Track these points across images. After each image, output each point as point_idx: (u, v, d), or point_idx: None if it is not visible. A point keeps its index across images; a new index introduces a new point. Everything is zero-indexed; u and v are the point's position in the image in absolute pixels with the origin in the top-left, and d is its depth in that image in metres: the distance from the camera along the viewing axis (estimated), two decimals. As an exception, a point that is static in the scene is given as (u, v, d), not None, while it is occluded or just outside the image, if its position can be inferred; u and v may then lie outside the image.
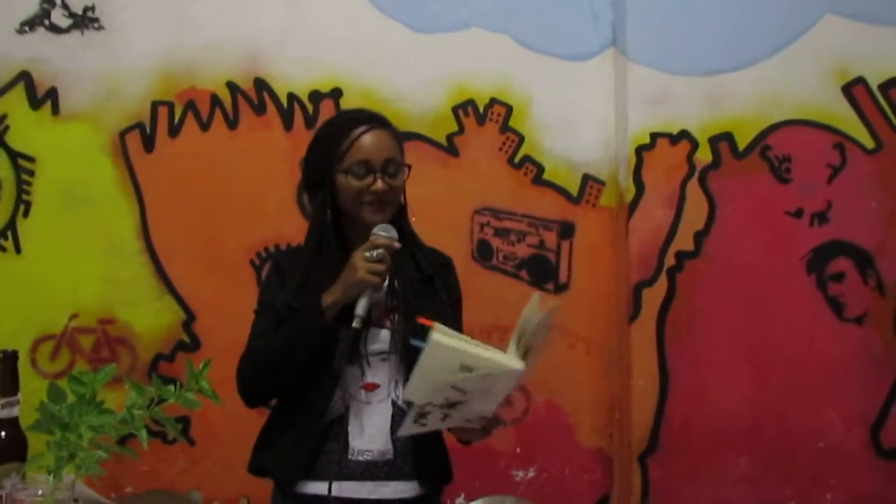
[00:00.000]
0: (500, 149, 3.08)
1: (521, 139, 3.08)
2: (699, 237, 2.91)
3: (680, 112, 2.96)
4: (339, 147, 1.93)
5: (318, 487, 1.92)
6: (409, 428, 1.69)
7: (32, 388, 2.84)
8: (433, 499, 2.03)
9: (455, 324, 2.00)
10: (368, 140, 1.94)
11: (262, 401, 2.04)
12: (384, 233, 1.89)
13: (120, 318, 2.97)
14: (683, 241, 2.91)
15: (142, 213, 3.02)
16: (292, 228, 2.98)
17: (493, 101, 3.08)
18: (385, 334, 1.95)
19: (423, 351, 1.58)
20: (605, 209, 3.05)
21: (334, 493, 1.89)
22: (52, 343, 2.95)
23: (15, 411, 1.79)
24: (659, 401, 2.84)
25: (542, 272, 3.03)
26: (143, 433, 1.58)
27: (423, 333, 1.61)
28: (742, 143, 2.96)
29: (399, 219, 1.99)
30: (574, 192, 3.06)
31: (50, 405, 1.52)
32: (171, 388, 1.53)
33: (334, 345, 1.87)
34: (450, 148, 3.04)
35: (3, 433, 1.73)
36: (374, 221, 1.92)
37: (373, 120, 1.98)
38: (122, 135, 3.03)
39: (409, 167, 2.00)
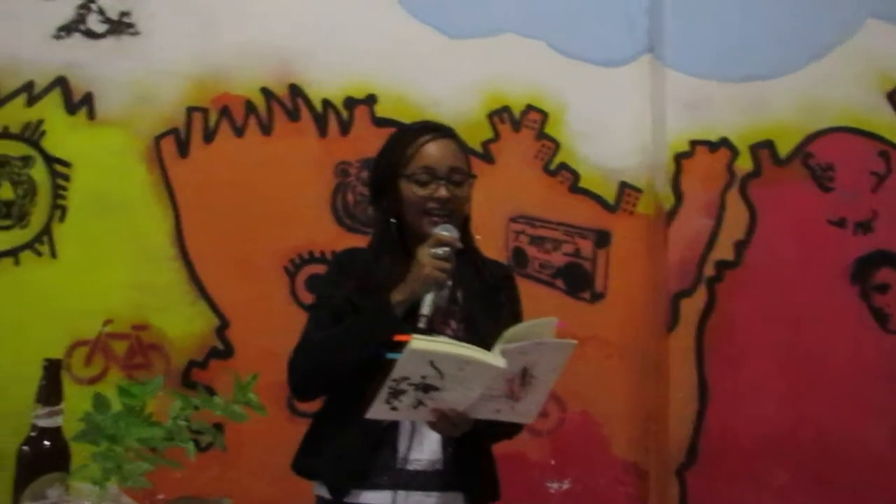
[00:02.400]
0: (536, 156, 3.05)
1: (557, 146, 3.04)
2: (739, 247, 2.87)
3: (719, 119, 2.91)
4: (404, 154, 1.94)
5: (374, 497, 1.90)
6: (379, 408, 1.66)
7: (67, 393, 2.87)
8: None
9: None
10: (433, 148, 1.94)
11: (314, 394, 2.01)
12: (445, 231, 1.88)
13: (153, 324, 2.95)
14: (723, 251, 2.87)
15: (176, 218, 3.00)
16: (326, 235, 2.98)
17: (528, 108, 3.05)
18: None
19: (399, 359, 1.58)
20: (642, 217, 3.01)
21: (386, 502, 1.88)
22: (86, 349, 2.94)
23: (58, 420, 1.77)
24: (697, 413, 2.79)
25: (578, 281, 2.99)
26: (190, 445, 1.56)
27: (400, 349, 1.60)
28: (783, 151, 2.91)
29: (463, 233, 1.97)
30: (610, 199, 3.02)
31: (95, 415, 1.50)
32: (217, 399, 1.50)
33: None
34: (485, 155, 3.02)
35: (46, 442, 1.70)
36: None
37: (439, 129, 2.00)
38: (157, 140, 3.02)
39: (475, 177, 1.99)
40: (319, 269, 2.97)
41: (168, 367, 2.94)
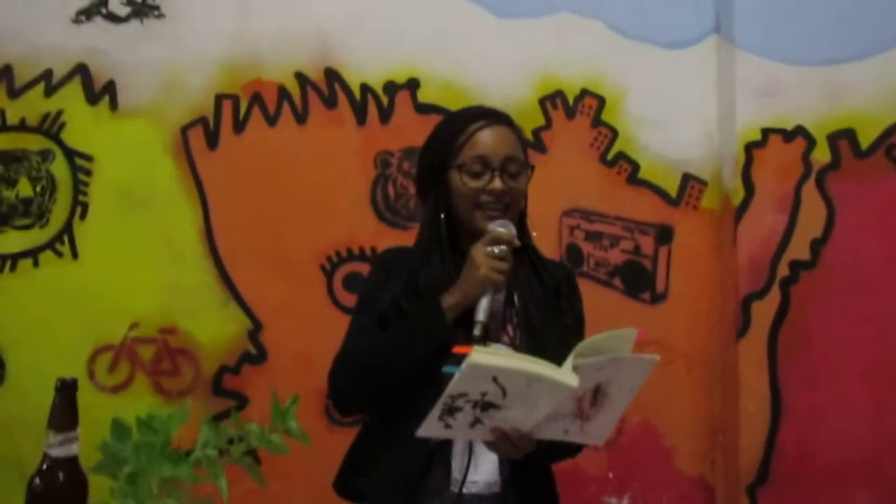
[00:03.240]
0: (592, 145, 2.81)
1: (615, 134, 2.81)
2: (816, 245, 2.62)
3: (794, 106, 2.66)
4: (454, 143, 1.78)
5: None
6: (431, 426, 1.49)
7: (90, 402, 2.69)
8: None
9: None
10: (488, 136, 1.78)
11: (359, 407, 1.87)
12: (502, 227, 1.73)
13: (182, 328, 2.77)
14: (798, 250, 2.62)
15: (205, 214, 2.81)
16: (366, 230, 2.78)
17: (583, 93, 2.82)
18: (503, 351, 1.73)
19: (457, 375, 1.40)
20: (707, 212, 2.77)
21: None
22: (110, 354, 2.76)
23: (74, 449, 1.57)
24: (770, 426, 2.56)
25: (638, 280, 2.77)
26: (223, 482, 1.35)
27: (458, 361, 1.43)
28: (865, 142, 2.65)
29: (519, 229, 1.80)
30: (673, 192, 2.79)
31: (113, 445, 1.30)
32: (254, 427, 1.29)
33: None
34: (536, 144, 2.78)
35: (60, 474, 1.50)
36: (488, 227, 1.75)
37: (494, 116, 1.82)
38: (184, 131, 2.83)
39: (533, 168, 1.81)
40: (359, 267, 2.78)
41: (198, 374, 2.75)
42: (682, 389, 2.72)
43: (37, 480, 1.39)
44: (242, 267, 2.79)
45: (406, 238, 2.77)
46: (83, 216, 2.79)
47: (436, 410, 1.48)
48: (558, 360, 1.78)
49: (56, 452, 1.42)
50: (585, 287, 2.70)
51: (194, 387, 2.74)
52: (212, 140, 2.83)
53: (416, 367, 1.71)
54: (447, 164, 1.80)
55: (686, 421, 2.68)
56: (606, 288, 2.77)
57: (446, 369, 1.47)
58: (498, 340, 1.77)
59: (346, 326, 2.66)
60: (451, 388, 1.43)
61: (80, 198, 2.78)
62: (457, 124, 1.84)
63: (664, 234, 2.77)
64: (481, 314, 1.68)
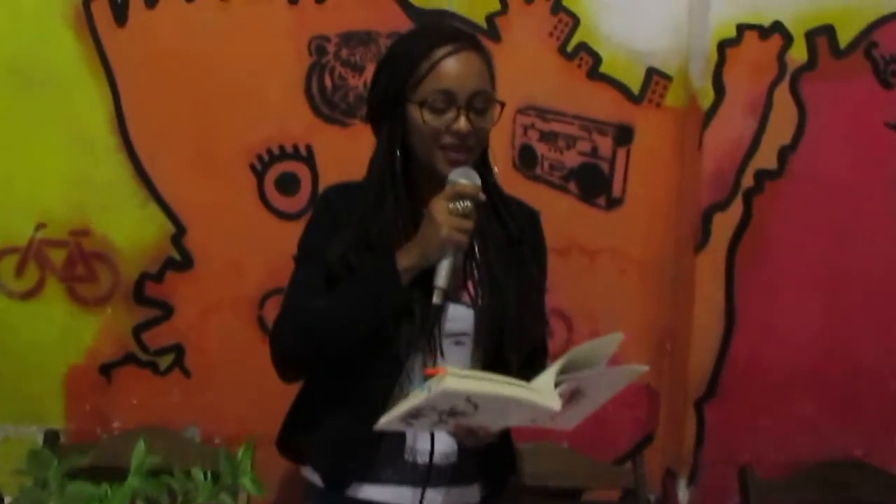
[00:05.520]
0: (551, 34, 2.54)
1: (576, 22, 2.54)
2: (784, 153, 2.47)
3: (774, -2, 2.43)
4: (415, 71, 1.56)
5: (379, 493, 1.65)
6: (390, 424, 1.39)
7: (-1, 308, 2.45)
8: (496, 499, 1.75)
9: (540, 303, 1.74)
10: (453, 65, 1.55)
11: (303, 374, 1.71)
12: (466, 179, 1.55)
13: (96, 230, 2.49)
14: (765, 159, 2.47)
15: (115, 100, 2.48)
16: (299, 125, 2.52)
17: (544, -28, 2.52)
18: (463, 312, 1.63)
19: (426, 395, 1.28)
20: (669, 110, 2.57)
21: (392, 499, 1.63)
22: (16, 257, 2.48)
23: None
24: (722, 341, 2.49)
25: (594, 184, 2.59)
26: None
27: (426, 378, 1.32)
28: (844, 39, 2.46)
29: (481, 166, 1.63)
30: (635, 88, 2.56)
31: (33, 492, 1.10)
32: (199, 480, 1.11)
33: (403, 318, 1.56)
34: (489, 31, 2.50)
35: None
36: (450, 171, 1.58)
37: (461, 38, 1.59)
38: (87, 2, 2.45)
39: (503, 105, 1.60)
40: (292, 167, 2.53)
41: (116, 280, 2.51)
42: (634, 299, 2.61)
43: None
44: (161, 162, 2.50)
45: (345, 137, 2.53)
46: (-30, 99, 2.43)
47: (396, 414, 1.33)
48: (521, 320, 1.65)
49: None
50: (538, 191, 2.56)
51: (113, 294, 2.50)
52: (119, 13, 2.46)
53: (368, 332, 1.57)
54: (405, 96, 1.57)
55: (636, 331, 2.59)
56: (561, 192, 2.58)
57: (417, 389, 1.32)
58: (458, 300, 1.63)
59: (278, 231, 2.51)
60: (419, 403, 1.28)
61: (-37, 79, 2.42)
62: (418, 48, 1.58)
63: (624, 135, 2.57)
64: (441, 279, 1.53)
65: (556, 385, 1.30)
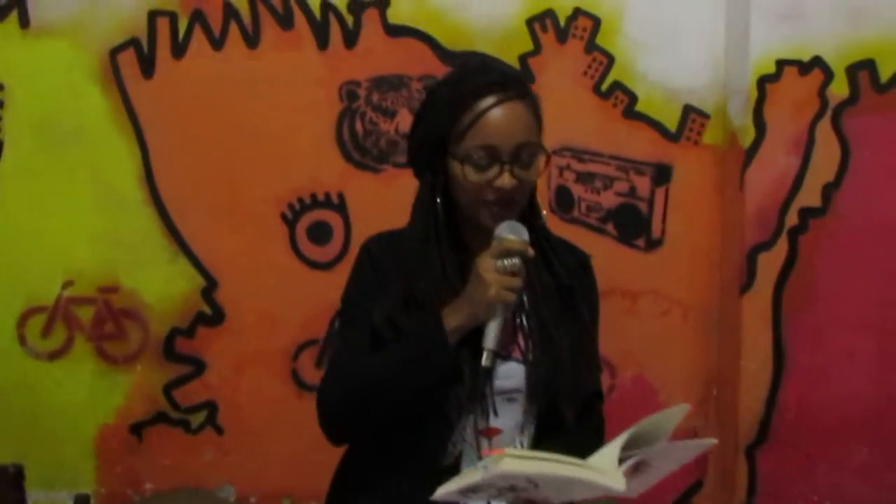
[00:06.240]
0: (585, 73, 2.50)
1: (611, 61, 2.49)
2: (828, 190, 2.40)
3: (813, 33, 2.37)
4: (456, 123, 1.46)
5: None
6: (448, 495, 1.29)
7: (24, 370, 2.40)
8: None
9: (593, 350, 1.67)
10: (498, 118, 1.45)
11: (351, 437, 1.61)
12: (513, 234, 1.46)
13: (125, 286, 2.44)
14: (809, 196, 2.40)
15: (143, 153, 2.45)
16: (331, 172, 2.47)
17: (576, 13, 2.48)
18: (515, 368, 1.54)
19: (483, 474, 1.20)
20: (709, 148, 2.52)
21: None
22: (43, 316, 2.44)
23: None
24: (772, 386, 2.41)
25: (632, 225, 2.53)
26: None
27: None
28: (885, 74, 2.40)
29: (530, 214, 1.54)
30: (672, 126, 2.51)
31: None
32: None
33: (453, 379, 1.47)
34: (523, 71, 2.45)
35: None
36: (495, 225, 1.48)
37: (506, 87, 1.47)
38: (113, 54, 2.42)
39: (549, 156, 1.52)
40: (324, 215, 2.47)
41: (146, 337, 2.45)
42: (677, 341, 2.54)
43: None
44: (190, 215, 2.45)
45: (377, 183, 2.48)
46: (-2, 156, 2.40)
47: (454, 486, 1.26)
48: (575, 373, 1.58)
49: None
50: (576, 233, 2.50)
51: (143, 351, 2.44)
52: (146, 65, 2.43)
53: (417, 395, 1.49)
54: (447, 148, 1.50)
55: (680, 373, 2.53)
56: (598, 234, 2.52)
57: (474, 467, 1.25)
58: (509, 357, 1.55)
59: (311, 281, 2.45)
60: (476, 482, 1.21)
61: (-7, 136, 2.38)
62: (460, 97, 1.48)
63: (662, 174, 2.52)
64: (491, 341, 1.45)
65: (621, 462, 1.23)
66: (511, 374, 1.55)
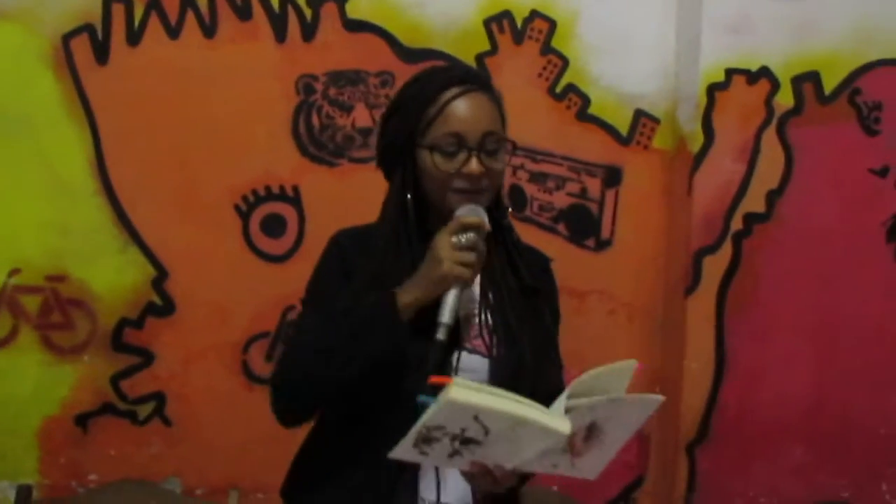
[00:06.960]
0: (540, 74, 2.54)
1: (566, 63, 2.54)
2: (772, 197, 2.49)
3: (762, 44, 2.45)
4: (423, 115, 1.50)
5: None
6: (405, 451, 1.32)
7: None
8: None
9: (554, 351, 1.68)
10: (463, 107, 1.49)
11: (302, 417, 1.59)
12: (471, 213, 1.48)
13: (73, 275, 2.41)
14: (754, 202, 2.48)
15: (95, 142, 2.41)
16: (286, 164, 2.47)
17: (533, 15, 2.52)
18: (478, 362, 1.55)
19: (432, 408, 1.22)
20: (657, 152, 2.58)
21: None
22: (-13, 304, 2.39)
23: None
24: (713, 385, 2.49)
25: (583, 225, 2.58)
26: None
27: (434, 391, 1.24)
28: (829, 86, 2.49)
29: (495, 209, 1.57)
30: (623, 130, 2.57)
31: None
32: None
33: (406, 359, 1.46)
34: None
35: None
36: None
37: (470, 80, 1.52)
38: (66, 40, 2.38)
39: (514, 145, 1.55)
40: (278, 208, 2.47)
41: (95, 328, 2.42)
42: (623, 340, 2.61)
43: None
44: (142, 205, 2.43)
45: (333, 177, 2.48)
46: (-54, 145, 2.34)
47: (410, 437, 1.28)
48: (538, 370, 1.62)
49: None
50: (528, 232, 2.52)
51: (90, 342, 2.41)
52: (101, 53, 2.40)
53: (367, 371, 1.48)
54: (415, 141, 1.53)
55: (625, 373, 2.58)
56: (550, 233, 2.57)
57: (422, 398, 1.26)
58: (473, 350, 1.57)
59: (263, 274, 2.45)
60: (427, 419, 1.24)
61: (-60, 122, 2.33)
62: (426, 91, 1.53)
63: (612, 176, 2.57)
64: (446, 315, 1.44)
65: (568, 410, 1.27)
66: (474, 368, 1.57)
